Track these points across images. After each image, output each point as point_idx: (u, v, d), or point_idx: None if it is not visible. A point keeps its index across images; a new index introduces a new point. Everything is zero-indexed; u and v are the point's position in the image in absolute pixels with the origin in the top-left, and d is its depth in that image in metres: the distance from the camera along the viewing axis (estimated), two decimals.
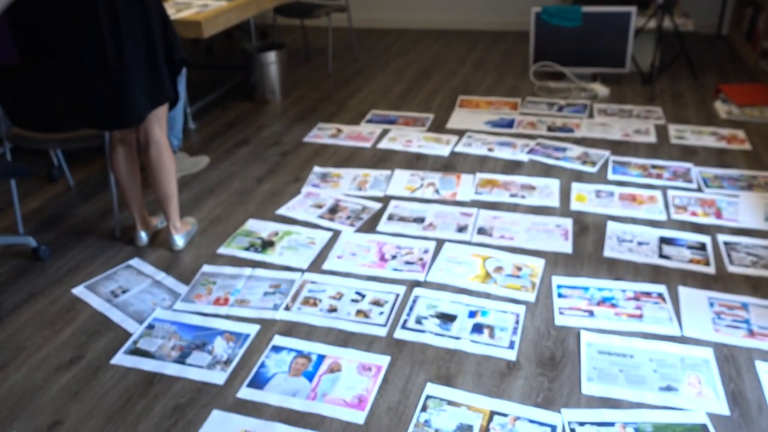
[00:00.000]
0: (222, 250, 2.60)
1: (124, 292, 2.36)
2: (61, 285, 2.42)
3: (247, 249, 2.60)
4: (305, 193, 3.02)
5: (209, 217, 2.84)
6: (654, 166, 3.17)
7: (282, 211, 2.87)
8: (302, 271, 2.45)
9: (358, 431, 1.76)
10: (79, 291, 2.39)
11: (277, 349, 2.07)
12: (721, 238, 2.58)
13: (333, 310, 2.24)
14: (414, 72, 4.75)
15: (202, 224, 2.78)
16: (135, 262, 2.53)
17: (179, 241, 2.58)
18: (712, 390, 1.86)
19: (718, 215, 2.74)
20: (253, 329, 2.15)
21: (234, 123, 3.87)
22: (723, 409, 1.80)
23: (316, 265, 2.48)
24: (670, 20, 4.17)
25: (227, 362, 2.02)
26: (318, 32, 5.68)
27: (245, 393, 1.90)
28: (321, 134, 3.67)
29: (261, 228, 2.74)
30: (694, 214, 2.76)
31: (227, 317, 2.22)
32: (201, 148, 3.51)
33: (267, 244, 2.62)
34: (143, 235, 2.61)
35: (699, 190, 2.95)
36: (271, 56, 4.02)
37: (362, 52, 5.30)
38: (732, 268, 2.40)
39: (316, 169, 3.25)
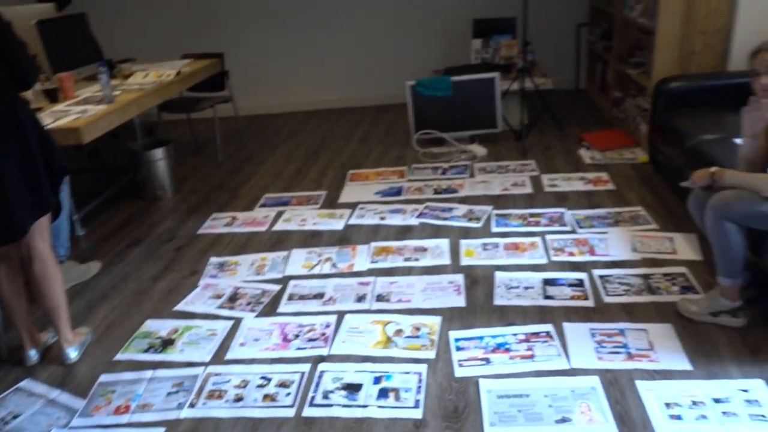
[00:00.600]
0: (120, 356, 2.54)
1: (14, 417, 2.24)
2: None
3: (146, 351, 2.55)
4: (203, 285, 3.02)
5: (104, 324, 2.77)
6: (532, 215, 3.42)
7: (180, 306, 2.85)
8: (205, 364, 2.43)
9: None
10: None
11: None
12: (596, 272, 2.81)
13: (239, 399, 2.23)
14: (304, 152, 4.91)
15: (97, 332, 2.71)
16: (26, 383, 2.42)
17: (72, 353, 2.50)
18: (602, 415, 2.00)
19: (592, 252, 2.99)
20: None
21: (125, 224, 3.84)
22: (612, 430, 1.93)
23: (219, 357, 2.47)
24: (531, 81, 4.59)
25: None
26: (205, 124, 5.77)
27: None
28: (215, 224, 3.70)
29: (160, 327, 2.71)
30: (571, 254, 2.99)
31: (129, 425, 2.16)
32: (92, 254, 3.44)
33: (167, 343, 2.59)
34: (32, 354, 2.51)
35: (573, 231, 3.20)
36: (158, 153, 4.05)
37: (251, 138, 5.43)
38: (608, 299, 2.61)
39: (213, 259, 3.27)
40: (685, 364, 2.18)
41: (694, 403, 2.01)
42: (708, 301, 2.39)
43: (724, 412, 1.96)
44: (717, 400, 2.01)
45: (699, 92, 3.49)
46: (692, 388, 2.07)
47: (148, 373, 2.41)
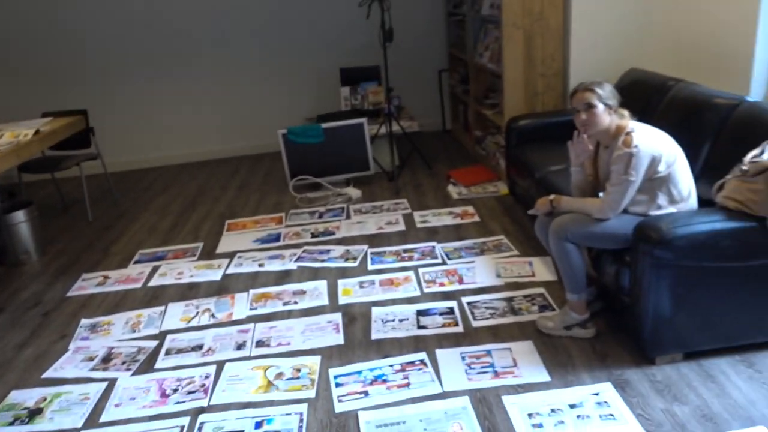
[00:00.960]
0: None
1: None
2: None
3: (11, 424, 2.40)
4: (74, 349, 2.89)
5: None
6: (405, 251, 3.60)
7: (49, 373, 2.72)
8: (77, 431, 2.33)
9: None
10: None
11: None
12: (465, 299, 3.00)
13: None
14: (179, 205, 4.85)
15: None
16: None
17: None
18: None
19: (461, 281, 3.19)
20: None
21: None
22: None
23: (93, 421, 2.38)
24: (398, 125, 4.85)
25: None
26: (73, 183, 5.54)
27: None
28: (86, 285, 3.56)
29: (26, 397, 2.56)
30: (441, 284, 3.17)
31: None
32: None
33: (34, 413, 2.45)
34: None
35: (443, 263, 3.40)
36: (20, 215, 3.85)
37: (123, 194, 5.28)
38: (476, 323, 2.79)
39: (84, 321, 3.14)
40: (544, 376, 2.39)
41: (553, 410, 2.20)
42: (561, 316, 2.63)
43: (578, 416, 2.16)
44: (572, 406, 2.21)
45: (544, 128, 3.87)
46: (551, 397, 2.27)
47: None
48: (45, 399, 2.54)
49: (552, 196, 2.64)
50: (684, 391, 2.23)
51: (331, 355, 2.65)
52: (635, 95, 3.34)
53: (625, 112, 2.46)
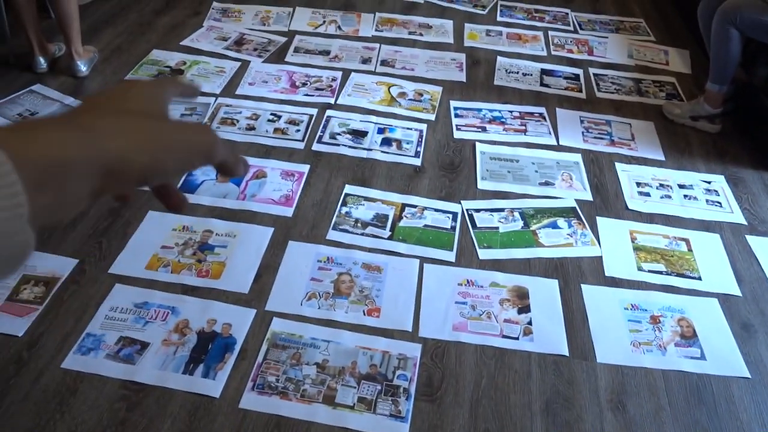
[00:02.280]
0: (130, 77, 2.58)
1: (32, 114, 2.32)
2: None
3: (156, 76, 2.60)
4: (207, 27, 3.00)
5: (110, 47, 2.77)
6: (537, 11, 3.44)
7: (186, 42, 2.85)
8: (215, 96, 2.52)
9: (287, 222, 1.97)
10: None
11: None
12: (592, 70, 2.93)
13: (251, 129, 2.36)
14: None
15: (104, 54, 2.72)
16: (38, 87, 2.46)
17: (83, 66, 2.53)
18: (581, 183, 2.24)
19: (590, 52, 3.09)
20: None
21: None
22: (588, 196, 2.19)
23: (228, 91, 2.55)
24: None
25: None
26: None
27: None
28: None
29: (167, 57, 2.73)
30: (570, 51, 3.09)
31: None
32: None
33: (176, 72, 2.64)
34: (42, 61, 2.52)
35: (575, 31, 3.27)
36: None
37: None
38: (600, 94, 2.77)
39: (216, 3, 3.20)
40: (659, 155, 2.42)
41: (662, 185, 2.27)
42: (691, 105, 2.58)
43: (685, 195, 2.23)
44: (681, 186, 2.28)
45: None
46: (662, 174, 2.33)
47: None
48: (185, 63, 2.70)
49: None
50: None
51: (452, 89, 2.70)
52: None
53: None
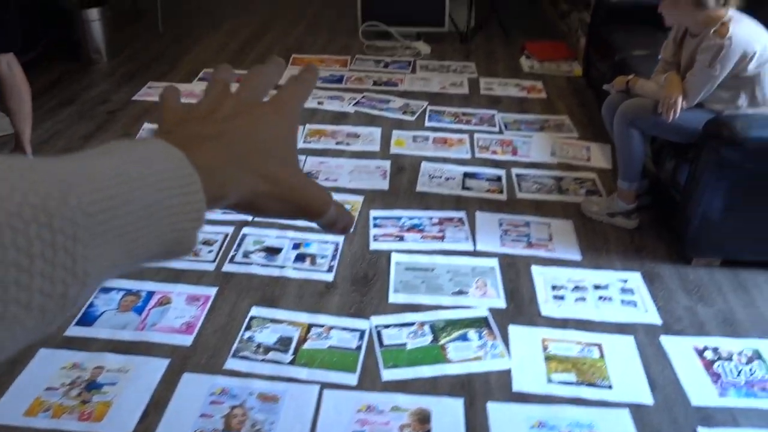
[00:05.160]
0: None
1: None
2: None
3: None
4: None
5: None
6: (464, 114, 3.54)
7: None
8: None
9: (185, 352, 1.91)
10: None
11: (105, 289, 2.14)
12: (515, 171, 2.98)
13: None
14: (249, 31, 4.81)
15: None
16: None
17: None
18: (495, 290, 2.22)
19: (514, 152, 3.15)
20: None
21: (57, 83, 3.74)
22: (501, 304, 2.16)
23: None
24: None
25: None
26: None
27: (74, 331, 1.97)
28: (151, 92, 3.66)
29: None
30: (494, 152, 3.15)
31: None
32: None
33: None
34: None
35: (500, 132, 3.35)
36: (94, 13, 3.90)
37: (195, 10, 5.25)
38: (520, 195, 2.80)
39: (147, 125, 3.27)
40: (576, 255, 2.42)
41: (577, 287, 2.25)
42: (607, 202, 2.61)
43: (600, 297, 2.21)
44: (597, 286, 2.26)
45: (636, 9, 3.59)
46: (578, 275, 2.31)
47: None
48: None
49: (631, 76, 2.51)
50: (712, 295, 2.23)
51: (374, 198, 2.72)
52: None
53: (728, 7, 2.23)
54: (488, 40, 4.75)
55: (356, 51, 4.42)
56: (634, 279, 2.30)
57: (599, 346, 2.00)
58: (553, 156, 3.13)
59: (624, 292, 2.24)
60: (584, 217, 2.64)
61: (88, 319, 2.01)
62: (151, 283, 2.18)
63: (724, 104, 2.27)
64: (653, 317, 2.12)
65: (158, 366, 1.85)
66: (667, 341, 2.02)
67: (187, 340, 1.95)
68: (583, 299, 2.19)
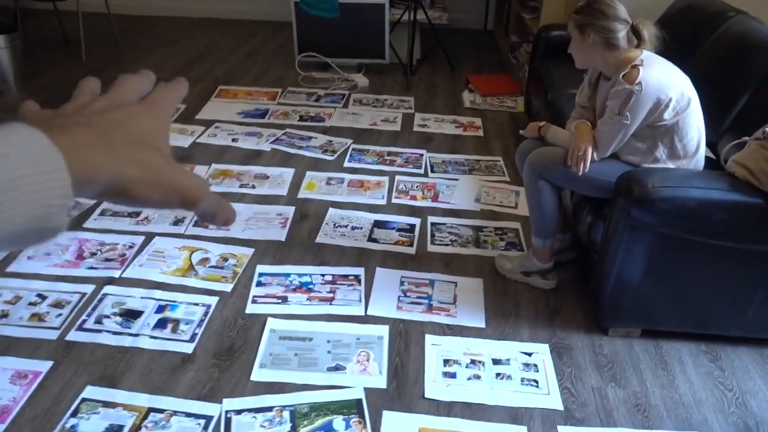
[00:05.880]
0: None
1: None
2: None
3: None
4: None
5: None
6: (390, 153, 3.28)
7: None
8: None
9: None
10: None
11: None
12: (432, 219, 2.71)
13: (4, 315, 2.04)
14: (180, 62, 4.55)
15: None
16: None
17: None
18: (377, 366, 1.93)
19: (435, 198, 2.89)
20: None
21: None
22: (381, 383, 1.86)
23: (0, 269, 2.26)
24: (424, 13, 4.36)
25: None
26: (87, 18, 5.28)
27: None
28: None
29: None
30: (413, 198, 2.88)
31: None
32: None
33: None
34: None
35: (425, 174, 3.09)
36: (0, 41, 3.64)
37: (128, 40, 4.98)
38: (431, 248, 2.52)
39: None
40: (480, 322, 2.13)
41: (473, 362, 1.96)
42: (521, 260, 2.34)
43: (498, 374, 1.92)
44: (496, 361, 1.97)
45: None
46: (477, 347, 2.02)
47: None
48: None
49: (542, 123, 2.26)
50: (627, 373, 1.95)
51: (266, 251, 2.44)
52: (685, 23, 2.83)
53: (642, 48, 1.99)
54: (432, 73, 4.51)
55: (290, 83, 4.16)
56: (541, 353, 2.02)
57: None
58: (477, 202, 2.86)
59: (526, 369, 1.95)
60: (498, 275, 2.37)
61: None
62: None
63: (640, 156, 2.02)
64: (555, 401, 1.83)
65: None
66: None
67: None
68: (477, 377, 1.91)
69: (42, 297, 2.13)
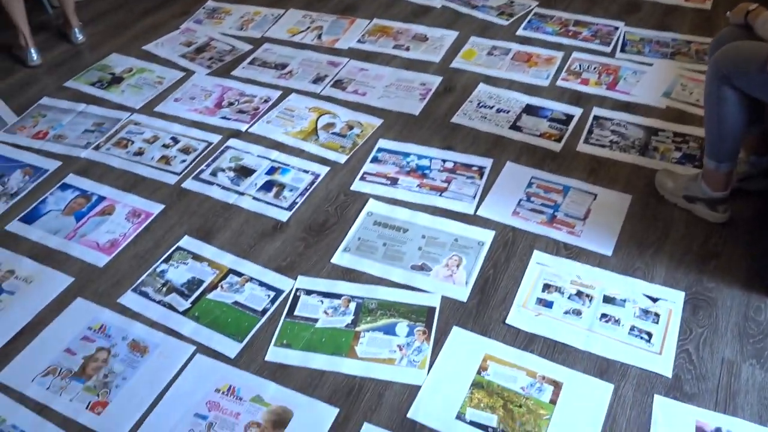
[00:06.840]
0: (70, 83, 2.54)
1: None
2: None
3: (93, 84, 2.53)
4: (182, 30, 2.85)
5: (74, 49, 2.76)
6: (577, 23, 2.75)
7: (149, 47, 2.74)
8: (132, 111, 2.37)
9: (92, 274, 1.77)
10: None
11: (64, 187, 2.06)
12: (597, 111, 2.26)
13: (139, 153, 2.18)
14: None
15: (70, 52, 2.72)
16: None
17: (80, 35, 2.79)
18: (465, 275, 1.72)
19: (612, 85, 2.39)
20: (53, 165, 2.15)
21: None
22: (463, 295, 1.67)
23: (149, 107, 2.39)
24: None
25: (14, 195, 2.04)
26: None
27: (14, 227, 1.93)
28: None
29: (120, 63, 2.64)
30: (584, 82, 2.41)
31: (38, 151, 2.22)
32: None
33: (115, 81, 2.54)
34: (34, 54, 2.63)
35: (611, 54, 2.56)
36: None
37: None
38: (582, 147, 2.12)
39: (210, 3, 3.04)
40: (606, 248, 1.78)
41: (579, 294, 1.66)
42: (687, 181, 1.86)
43: (604, 315, 1.60)
44: (609, 299, 1.64)
45: None
46: (590, 277, 1.70)
47: (81, 106, 2.41)
48: (131, 70, 2.60)
49: (754, 6, 1.65)
50: None
51: (394, 124, 2.25)
52: None
53: None
54: None
55: None
56: (671, 301, 1.63)
57: (558, 387, 1.46)
58: (665, 97, 2.31)
59: (643, 317, 1.60)
60: (654, 193, 1.93)
61: (31, 217, 1.96)
62: (108, 188, 2.05)
63: None
64: (664, 365, 1.49)
65: (60, 283, 1.75)
66: (663, 406, 1.41)
67: (102, 260, 1.81)
68: (578, 313, 1.62)
69: (175, 140, 2.23)
